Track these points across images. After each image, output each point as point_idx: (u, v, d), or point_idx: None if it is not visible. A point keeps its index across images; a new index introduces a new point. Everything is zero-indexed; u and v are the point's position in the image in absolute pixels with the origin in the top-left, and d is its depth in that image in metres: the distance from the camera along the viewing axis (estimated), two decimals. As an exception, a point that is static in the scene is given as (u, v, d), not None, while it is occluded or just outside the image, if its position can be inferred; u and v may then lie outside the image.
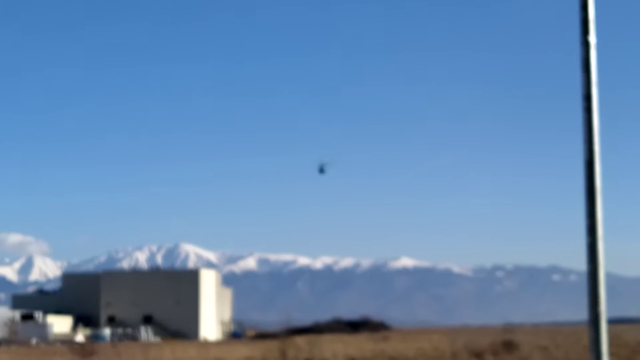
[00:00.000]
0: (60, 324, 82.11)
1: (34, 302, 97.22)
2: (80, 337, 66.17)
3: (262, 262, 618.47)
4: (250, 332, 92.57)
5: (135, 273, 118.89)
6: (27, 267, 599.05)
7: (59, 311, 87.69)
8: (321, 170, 63.16)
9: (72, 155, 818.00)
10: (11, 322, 74.76)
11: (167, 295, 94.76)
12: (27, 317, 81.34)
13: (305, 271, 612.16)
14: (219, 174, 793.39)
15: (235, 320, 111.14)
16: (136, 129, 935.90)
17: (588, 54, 8.30)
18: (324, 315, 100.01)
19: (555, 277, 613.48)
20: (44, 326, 78.65)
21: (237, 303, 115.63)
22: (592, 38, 8.15)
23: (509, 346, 33.30)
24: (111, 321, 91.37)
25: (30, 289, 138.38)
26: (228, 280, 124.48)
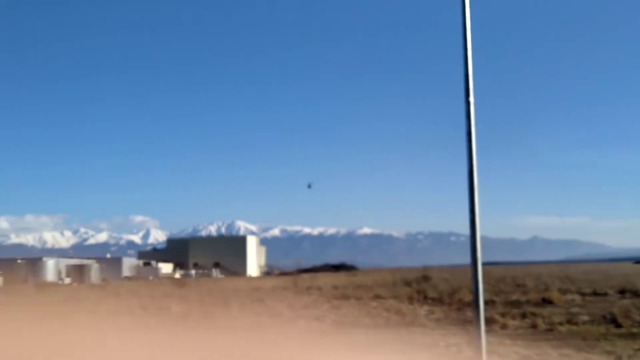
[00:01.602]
0: (166, 268, 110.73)
1: (150, 255, 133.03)
2: (177, 275, 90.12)
3: (283, 231, 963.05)
4: (276, 272, 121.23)
5: (209, 238, 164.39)
6: (146, 235, 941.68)
7: (165, 260, 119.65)
8: (309, 186, 77.51)
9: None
10: (137, 267, 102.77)
11: (228, 250, 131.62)
12: (147, 264, 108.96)
13: (308, 236, 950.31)
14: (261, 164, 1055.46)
15: (267, 265, 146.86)
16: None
17: (469, 111, 11.01)
18: (318, 262, 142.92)
19: (453, 238, 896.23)
20: (156, 269, 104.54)
21: (268, 255, 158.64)
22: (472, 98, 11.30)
23: (425, 278, 46.68)
24: (195, 265, 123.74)
25: (148, 248, 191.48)
26: (263, 241, 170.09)
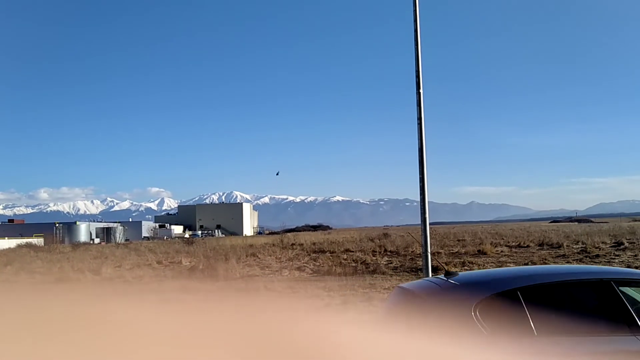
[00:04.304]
0: (177, 229, 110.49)
1: (165, 219, 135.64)
2: (186, 235, 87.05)
3: (272, 199, 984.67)
4: (266, 232, 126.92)
5: (212, 205, 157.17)
6: (161, 203, 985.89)
7: (177, 223, 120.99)
8: (277, 174, 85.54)
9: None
10: (154, 229, 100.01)
11: (227, 215, 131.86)
12: (162, 226, 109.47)
13: (292, 203, 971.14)
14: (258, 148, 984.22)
15: (259, 226, 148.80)
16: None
17: (420, 100, 11.13)
18: (300, 223, 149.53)
19: (407, 204, 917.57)
20: (170, 230, 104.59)
21: (260, 218, 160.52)
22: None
23: (386, 235, 46.42)
24: (201, 227, 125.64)
25: (163, 214, 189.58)
26: (255, 207, 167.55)
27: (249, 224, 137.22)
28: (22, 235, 68.21)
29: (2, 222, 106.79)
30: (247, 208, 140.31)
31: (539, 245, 28.89)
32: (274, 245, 37.12)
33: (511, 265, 21.43)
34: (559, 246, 27.46)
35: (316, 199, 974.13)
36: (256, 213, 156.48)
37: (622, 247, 25.84)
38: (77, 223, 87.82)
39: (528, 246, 28.67)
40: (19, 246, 50.38)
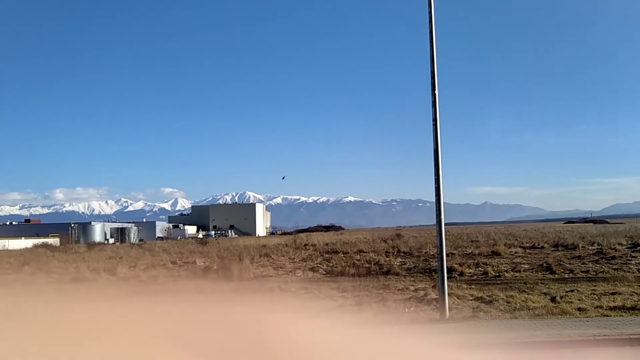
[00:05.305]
0: (191, 230, 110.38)
1: (178, 219, 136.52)
2: (200, 235, 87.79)
3: (284, 199, 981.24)
4: (279, 232, 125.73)
5: (225, 205, 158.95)
6: (174, 203, 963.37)
7: (190, 223, 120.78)
8: (283, 178, 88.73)
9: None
10: (168, 229, 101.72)
11: (241, 215, 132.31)
12: (175, 226, 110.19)
13: (304, 203, 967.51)
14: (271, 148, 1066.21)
15: (272, 226, 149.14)
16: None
17: (435, 102, 11.07)
18: (312, 224, 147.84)
19: (420, 204, 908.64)
20: (183, 231, 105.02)
21: (272, 219, 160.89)
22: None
23: (398, 235, 46.22)
24: (214, 228, 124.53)
25: (176, 214, 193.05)
26: (268, 208, 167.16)
27: (262, 225, 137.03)
28: (38, 235, 69.06)
29: (19, 222, 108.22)
30: (259, 208, 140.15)
31: (554, 246, 28.61)
32: (287, 245, 37.14)
33: (525, 266, 21.26)
34: (575, 247, 27.19)
35: (328, 200, 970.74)
36: (269, 213, 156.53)
37: (638, 248, 25.52)
38: (92, 223, 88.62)
39: (542, 247, 28.41)
40: (36, 246, 50.98)
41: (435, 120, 10.97)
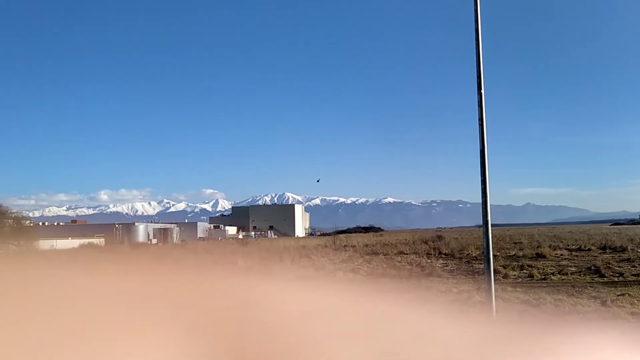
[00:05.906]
0: (231, 230, 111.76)
1: (219, 220, 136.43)
2: (240, 236, 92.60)
3: (323, 200, 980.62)
4: (318, 233, 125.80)
5: (265, 206, 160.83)
6: (215, 204, 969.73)
7: (231, 224, 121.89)
8: (318, 181, 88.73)
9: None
10: (209, 230, 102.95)
11: (280, 216, 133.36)
12: (216, 227, 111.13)
13: (343, 204, 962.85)
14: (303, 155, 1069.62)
15: (311, 227, 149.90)
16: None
17: (481, 101, 10.74)
18: (351, 225, 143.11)
19: (461, 205, 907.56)
20: (224, 231, 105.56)
21: (312, 220, 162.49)
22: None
23: (439, 237, 45.99)
24: (254, 228, 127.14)
25: (217, 215, 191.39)
26: (307, 209, 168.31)
27: (301, 225, 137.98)
28: (84, 236, 71.20)
29: (65, 222, 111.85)
30: (298, 209, 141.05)
31: (601, 248, 27.81)
32: (326, 246, 37.24)
33: (572, 269, 20.70)
34: (623, 249, 26.36)
35: (367, 201, 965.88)
36: (307, 214, 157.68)
37: (692, 251, 24.55)
38: (136, 224, 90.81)
39: (589, 249, 27.63)
40: (82, 246, 52.66)
41: (481, 120, 10.73)
